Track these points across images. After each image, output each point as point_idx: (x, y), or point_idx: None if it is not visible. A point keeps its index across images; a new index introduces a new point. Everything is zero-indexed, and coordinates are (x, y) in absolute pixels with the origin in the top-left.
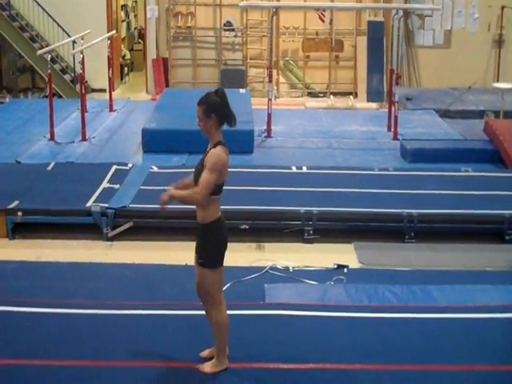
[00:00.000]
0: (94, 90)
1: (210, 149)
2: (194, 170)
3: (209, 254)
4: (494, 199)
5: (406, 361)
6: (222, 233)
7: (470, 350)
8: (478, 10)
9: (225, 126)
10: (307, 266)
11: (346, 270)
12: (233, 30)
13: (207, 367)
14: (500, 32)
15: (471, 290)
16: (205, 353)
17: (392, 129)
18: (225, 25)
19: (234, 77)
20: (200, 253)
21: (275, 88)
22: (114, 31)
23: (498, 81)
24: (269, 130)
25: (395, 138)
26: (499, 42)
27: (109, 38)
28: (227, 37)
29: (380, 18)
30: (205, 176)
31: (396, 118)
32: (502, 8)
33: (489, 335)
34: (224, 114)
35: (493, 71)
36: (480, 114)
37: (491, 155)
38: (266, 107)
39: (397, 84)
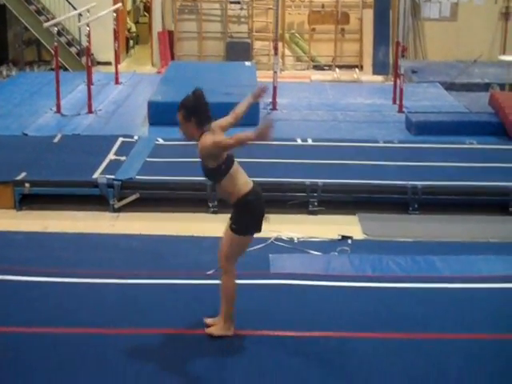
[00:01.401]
0: (99, 63)
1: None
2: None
3: (242, 223)
4: (498, 171)
5: (410, 329)
6: (255, 205)
7: (473, 319)
8: None
9: (231, 98)
10: (312, 237)
11: (350, 241)
12: (238, 2)
13: (214, 330)
14: (507, 5)
15: (475, 260)
16: (208, 320)
17: (397, 101)
18: None
19: (240, 50)
20: (234, 219)
21: (281, 61)
22: (120, 4)
23: (504, 53)
24: (274, 103)
25: (400, 110)
26: (506, 15)
27: (114, 11)
28: (233, 9)
29: None
30: (222, 150)
31: (401, 90)
32: None
33: (492, 305)
34: (203, 114)
35: (499, 44)
36: (485, 87)
37: (496, 128)
38: (272, 80)
39: (402, 57)
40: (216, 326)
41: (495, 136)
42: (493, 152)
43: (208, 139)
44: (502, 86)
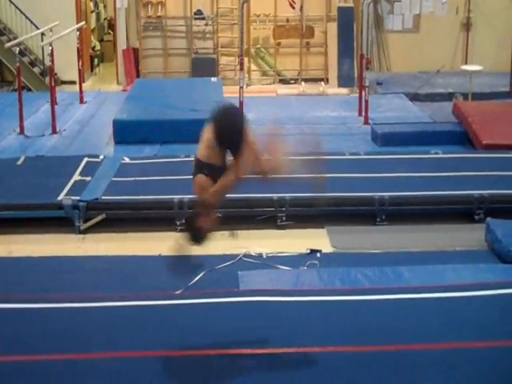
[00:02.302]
0: (63, 82)
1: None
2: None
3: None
4: (463, 180)
5: (380, 342)
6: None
7: (442, 329)
8: None
9: (195, 115)
10: (280, 252)
11: (318, 255)
12: (203, 18)
13: None
14: (468, 15)
15: (442, 269)
16: None
17: (363, 113)
18: (195, 13)
19: (206, 65)
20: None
21: (247, 76)
22: (84, 22)
23: (466, 63)
24: None
25: (366, 122)
26: (467, 26)
27: (78, 30)
28: (198, 25)
29: (350, 4)
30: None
31: (367, 102)
32: None
33: (460, 313)
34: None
35: (461, 54)
36: (449, 97)
37: (460, 137)
38: (238, 95)
39: (367, 69)
40: None
41: (459, 145)
42: (457, 161)
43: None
44: (465, 96)
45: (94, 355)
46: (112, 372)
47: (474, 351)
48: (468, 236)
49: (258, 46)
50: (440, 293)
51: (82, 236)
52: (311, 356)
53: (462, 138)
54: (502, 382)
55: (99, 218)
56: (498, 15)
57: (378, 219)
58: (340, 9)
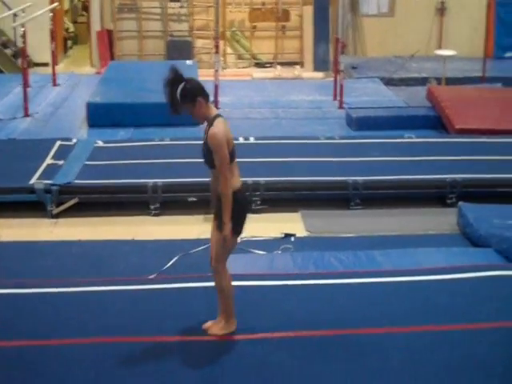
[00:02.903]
0: (36, 65)
1: (208, 127)
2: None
3: (232, 223)
4: (435, 164)
5: (353, 325)
6: (243, 204)
7: (415, 312)
8: None
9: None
10: (255, 237)
11: (293, 239)
12: (178, 0)
13: (218, 330)
14: (442, 0)
15: (415, 253)
16: (207, 324)
17: (338, 97)
18: None
19: (181, 48)
20: (220, 219)
21: (222, 59)
22: (57, 3)
23: (440, 48)
24: (216, 102)
25: (341, 106)
26: (442, 10)
27: (51, 11)
28: (173, 8)
29: None
30: (217, 159)
31: (341, 86)
32: None
33: (433, 296)
34: (203, 90)
35: (435, 39)
36: (423, 81)
37: (433, 121)
38: (213, 78)
39: (342, 53)
40: (218, 326)
41: (433, 129)
42: (431, 145)
43: (220, 131)
44: (438, 80)
45: (66, 341)
46: (83, 357)
47: (446, 334)
48: (440, 220)
49: (234, 29)
50: (412, 276)
51: (54, 220)
52: (284, 340)
53: (436, 122)
54: (474, 364)
55: (72, 202)
56: (472, 0)
57: (352, 203)
58: None
